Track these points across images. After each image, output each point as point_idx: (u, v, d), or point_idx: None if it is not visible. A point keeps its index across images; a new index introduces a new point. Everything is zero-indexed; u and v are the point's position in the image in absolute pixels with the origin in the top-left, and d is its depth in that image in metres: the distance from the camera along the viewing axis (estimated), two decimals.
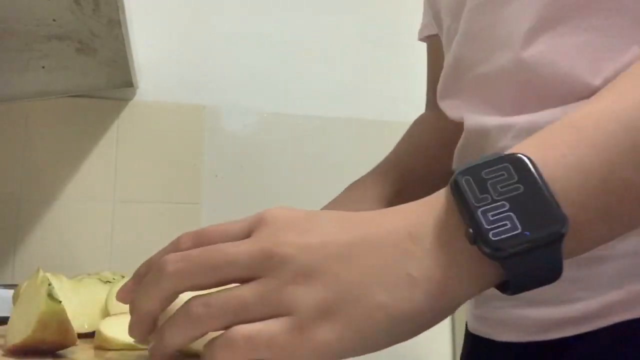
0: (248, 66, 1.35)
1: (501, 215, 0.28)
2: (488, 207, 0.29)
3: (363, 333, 0.29)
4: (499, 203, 0.29)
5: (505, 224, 0.28)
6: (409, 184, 0.63)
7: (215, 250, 0.31)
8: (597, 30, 0.42)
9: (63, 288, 0.44)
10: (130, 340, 0.34)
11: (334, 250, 0.30)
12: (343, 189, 0.64)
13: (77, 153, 1.22)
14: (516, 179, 0.29)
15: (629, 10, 0.41)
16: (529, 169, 0.29)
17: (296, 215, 0.32)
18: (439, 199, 0.31)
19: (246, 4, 1.37)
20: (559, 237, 0.28)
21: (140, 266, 0.35)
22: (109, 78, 1.19)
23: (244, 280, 0.31)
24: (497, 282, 0.30)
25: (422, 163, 0.65)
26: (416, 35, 0.72)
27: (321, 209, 0.57)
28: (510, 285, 0.30)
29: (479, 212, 0.28)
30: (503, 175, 0.29)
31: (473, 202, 0.29)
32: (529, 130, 0.34)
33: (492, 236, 0.28)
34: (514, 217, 0.28)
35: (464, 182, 0.30)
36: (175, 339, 0.31)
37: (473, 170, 0.30)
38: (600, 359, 0.42)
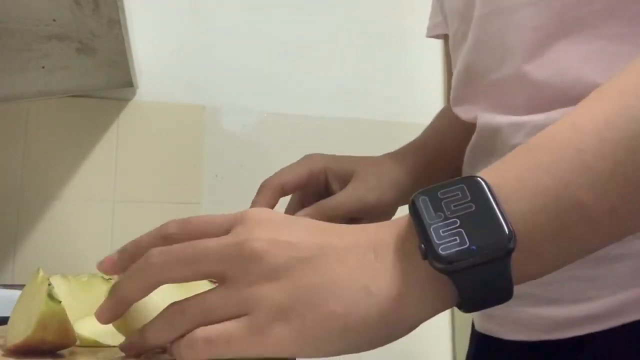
0: (248, 66, 1.35)
1: (452, 232, 0.30)
2: (440, 224, 0.30)
3: (315, 338, 0.31)
4: (450, 220, 0.30)
5: (455, 239, 0.30)
6: (434, 159, 0.65)
7: (194, 246, 0.34)
8: (613, 37, 0.42)
9: (72, 288, 0.44)
10: (93, 337, 0.38)
11: (300, 252, 0.32)
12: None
13: (77, 153, 1.22)
14: (469, 198, 0.31)
15: None
16: (483, 189, 0.31)
17: (273, 217, 0.35)
18: (402, 219, 0.33)
19: (246, 4, 1.37)
20: (506, 252, 0.29)
21: (128, 243, 0.37)
22: (109, 78, 1.19)
23: (219, 273, 0.33)
24: (452, 302, 0.31)
25: (442, 146, 0.66)
26: (417, 36, 0.72)
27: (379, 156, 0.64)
28: (463, 302, 0.31)
29: (431, 228, 0.30)
30: (457, 195, 0.31)
31: (427, 219, 0.31)
32: (542, 128, 0.34)
33: (441, 250, 0.29)
34: (464, 232, 0.30)
35: (420, 202, 0.31)
36: (157, 339, 0.34)
37: (430, 191, 0.32)
38: (615, 357, 0.42)
